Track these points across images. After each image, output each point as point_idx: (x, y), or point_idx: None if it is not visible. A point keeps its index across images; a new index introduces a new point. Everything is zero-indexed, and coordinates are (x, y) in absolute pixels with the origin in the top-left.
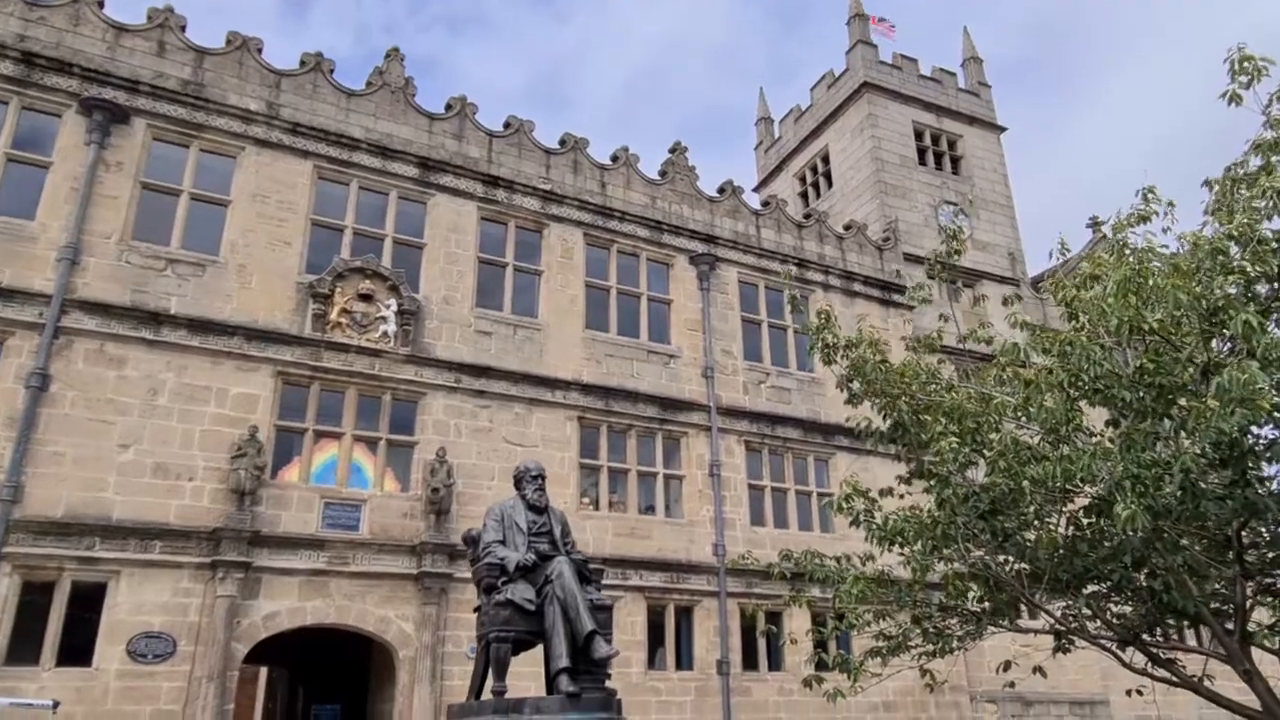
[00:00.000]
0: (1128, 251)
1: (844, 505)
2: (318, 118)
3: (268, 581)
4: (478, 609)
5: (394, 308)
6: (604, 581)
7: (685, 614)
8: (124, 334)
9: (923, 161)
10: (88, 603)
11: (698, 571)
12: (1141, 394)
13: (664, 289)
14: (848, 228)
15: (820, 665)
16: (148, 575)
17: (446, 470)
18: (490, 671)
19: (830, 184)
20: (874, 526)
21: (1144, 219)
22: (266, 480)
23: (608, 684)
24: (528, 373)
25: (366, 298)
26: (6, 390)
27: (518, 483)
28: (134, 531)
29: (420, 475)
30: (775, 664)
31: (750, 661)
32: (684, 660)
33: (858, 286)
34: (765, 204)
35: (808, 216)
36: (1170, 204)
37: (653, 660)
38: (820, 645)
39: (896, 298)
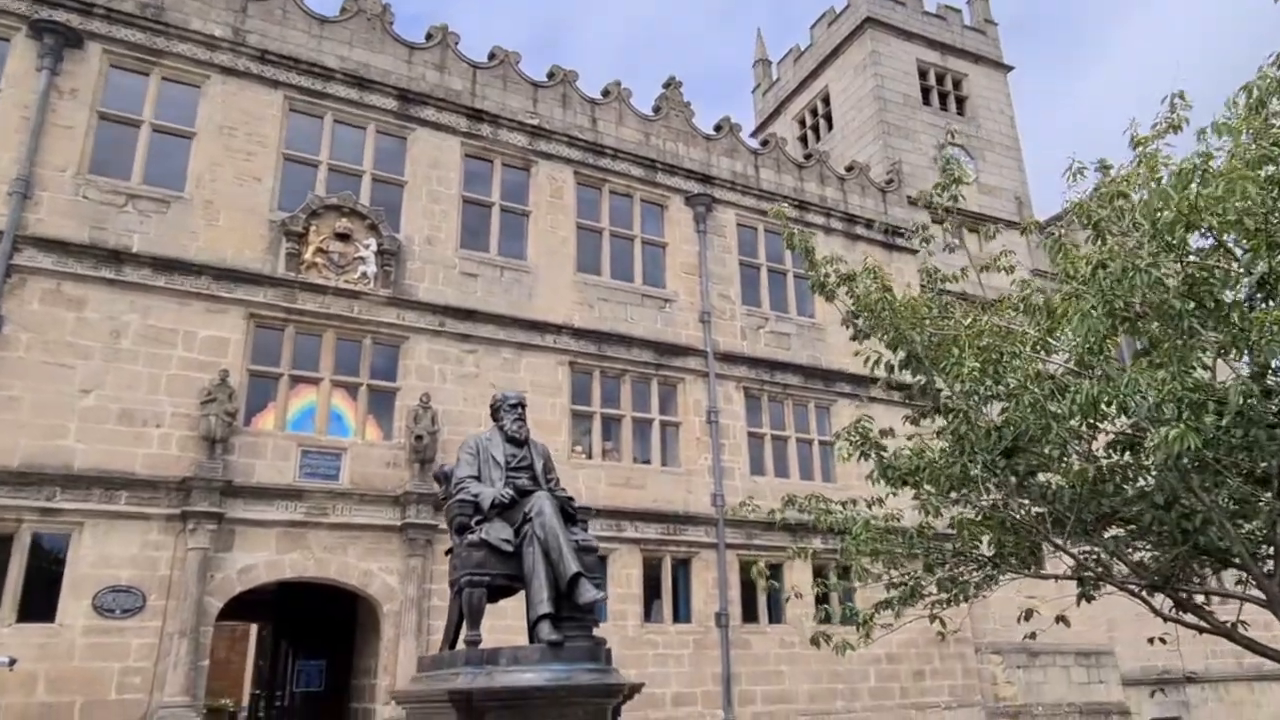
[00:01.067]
0: (1162, 159)
1: (852, 439)
2: (288, 45)
3: (243, 533)
4: (449, 551)
5: (373, 248)
6: (597, 534)
7: (683, 566)
8: (83, 273)
9: (926, 101)
10: (50, 556)
11: (695, 523)
12: (1193, 306)
13: (659, 231)
14: (850, 169)
15: (826, 619)
16: (114, 527)
17: (431, 417)
18: (464, 620)
19: (831, 126)
20: (885, 466)
21: (1174, 128)
22: (239, 428)
23: (596, 632)
24: (516, 316)
25: (344, 237)
26: None
27: (495, 413)
28: (98, 481)
29: (403, 423)
30: (776, 616)
31: (750, 614)
32: (682, 613)
33: (860, 230)
34: (764, 143)
35: (808, 157)
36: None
37: (649, 613)
38: (823, 599)
39: (900, 241)
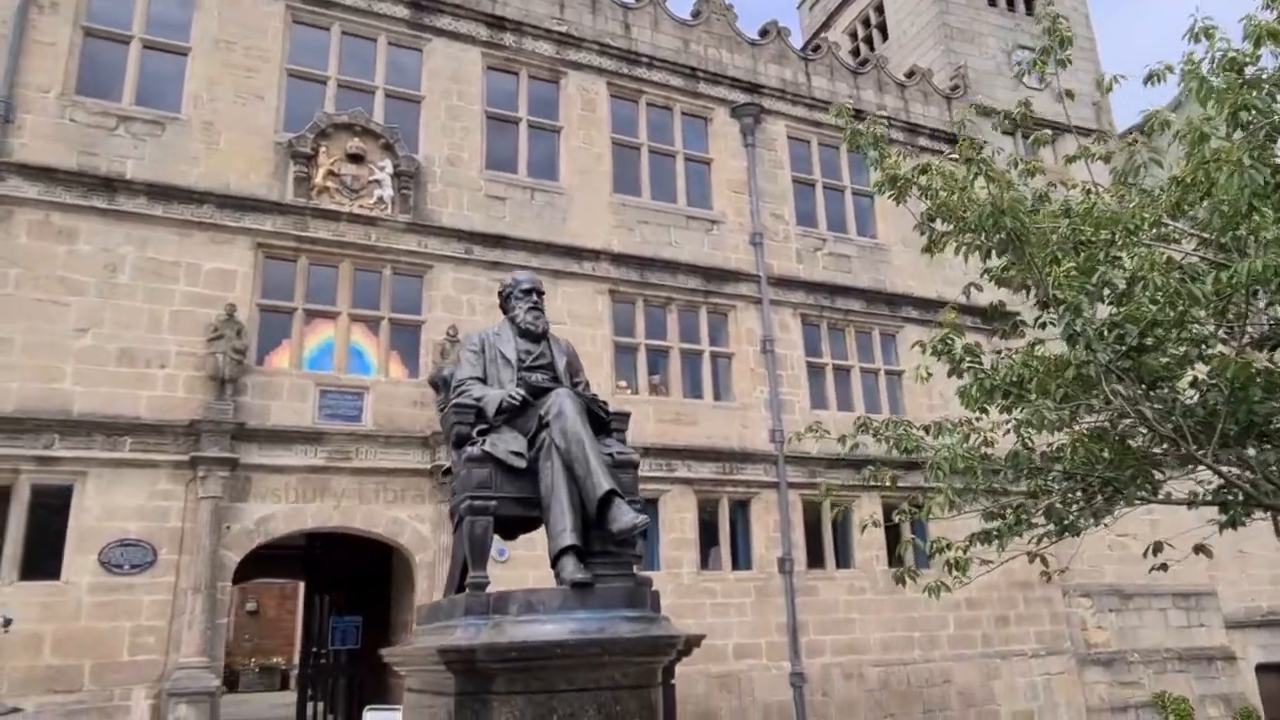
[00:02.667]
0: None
1: (940, 349)
2: None
3: (259, 481)
4: (446, 472)
5: (389, 170)
6: (646, 475)
7: (741, 508)
8: (73, 203)
9: (992, 2)
10: (52, 508)
11: (753, 460)
12: None
13: (702, 146)
14: (910, 75)
15: (900, 565)
16: (119, 476)
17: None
18: (468, 558)
19: (885, 37)
20: (980, 376)
21: None
22: (251, 366)
23: (636, 570)
24: (549, 242)
25: (357, 158)
26: None
27: (504, 302)
28: (99, 426)
29: (430, 358)
30: (844, 560)
31: (815, 559)
32: (741, 559)
33: (924, 141)
34: (815, 48)
35: (863, 63)
36: None
37: (705, 560)
38: (897, 541)
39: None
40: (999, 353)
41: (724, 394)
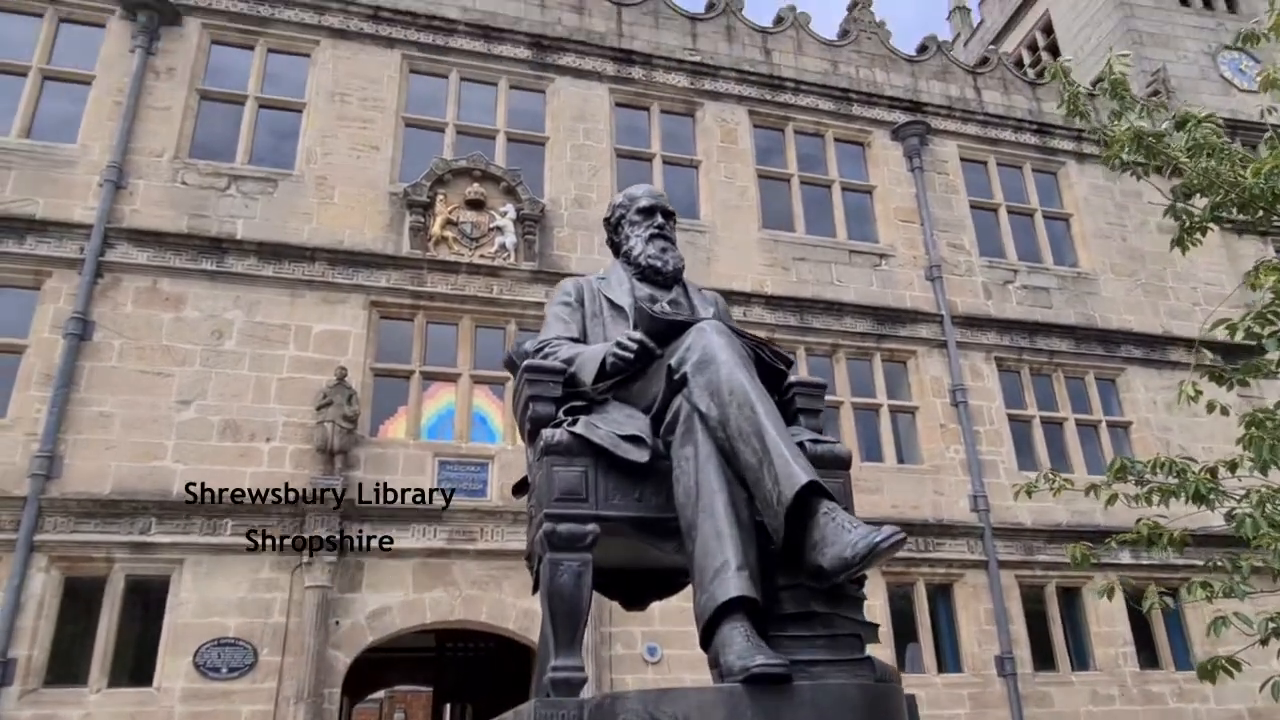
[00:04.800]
0: None
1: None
2: (403, 0)
3: (371, 567)
4: (519, 488)
5: (512, 214)
6: None
7: (942, 594)
8: (181, 267)
9: (1185, 2)
10: (146, 603)
11: (952, 534)
12: None
13: (861, 173)
14: (1097, 82)
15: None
16: (218, 563)
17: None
18: (547, 628)
19: (1057, 57)
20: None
21: None
22: (363, 436)
23: (868, 648)
24: (696, 285)
25: (476, 204)
26: (43, 342)
27: (613, 233)
28: (200, 508)
29: None
30: (1081, 659)
31: (1043, 657)
32: (948, 658)
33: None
34: (984, 60)
35: (1042, 73)
36: None
37: (902, 658)
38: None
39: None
40: None
41: (909, 455)
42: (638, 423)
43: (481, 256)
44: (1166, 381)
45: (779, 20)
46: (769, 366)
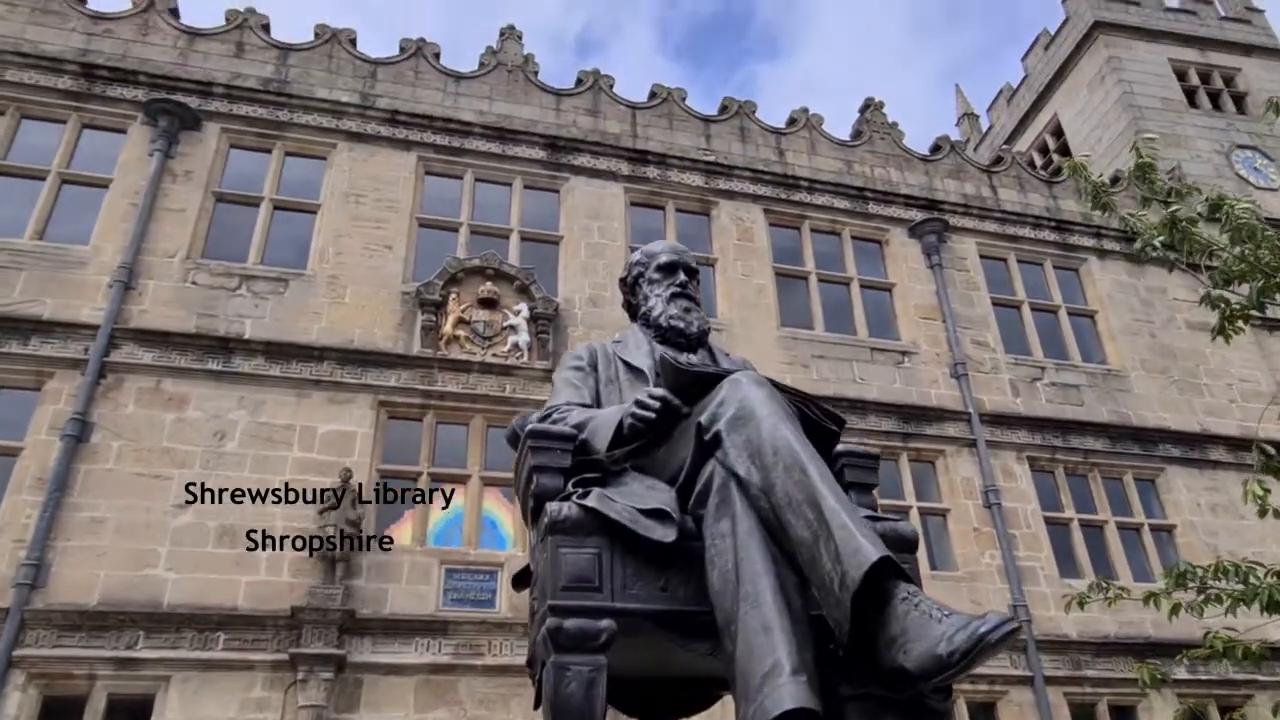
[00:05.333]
0: None
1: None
2: (421, 105)
3: (371, 684)
4: (519, 579)
5: (525, 313)
6: None
7: (984, 713)
8: (186, 366)
9: (1193, 104)
10: None
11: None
12: None
13: (879, 271)
14: (1115, 181)
15: None
16: (206, 681)
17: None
18: None
19: (1068, 157)
20: None
21: None
22: (367, 542)
23: None
24: None
25: (489, 303)
26: (40, 444)
27: (630, 293)
28: (190, 620)
29: None
30: None
31: None
32: None
33: (1154, 251)
34: (997, 159)
35: (1057, 171)
36: None
37: None
38: None
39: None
40: None
41: (942, 560)
42: (661, 495)
43: (494, 355)
44: (1209, 482)
45: (792, 121)
46: (817, 426)
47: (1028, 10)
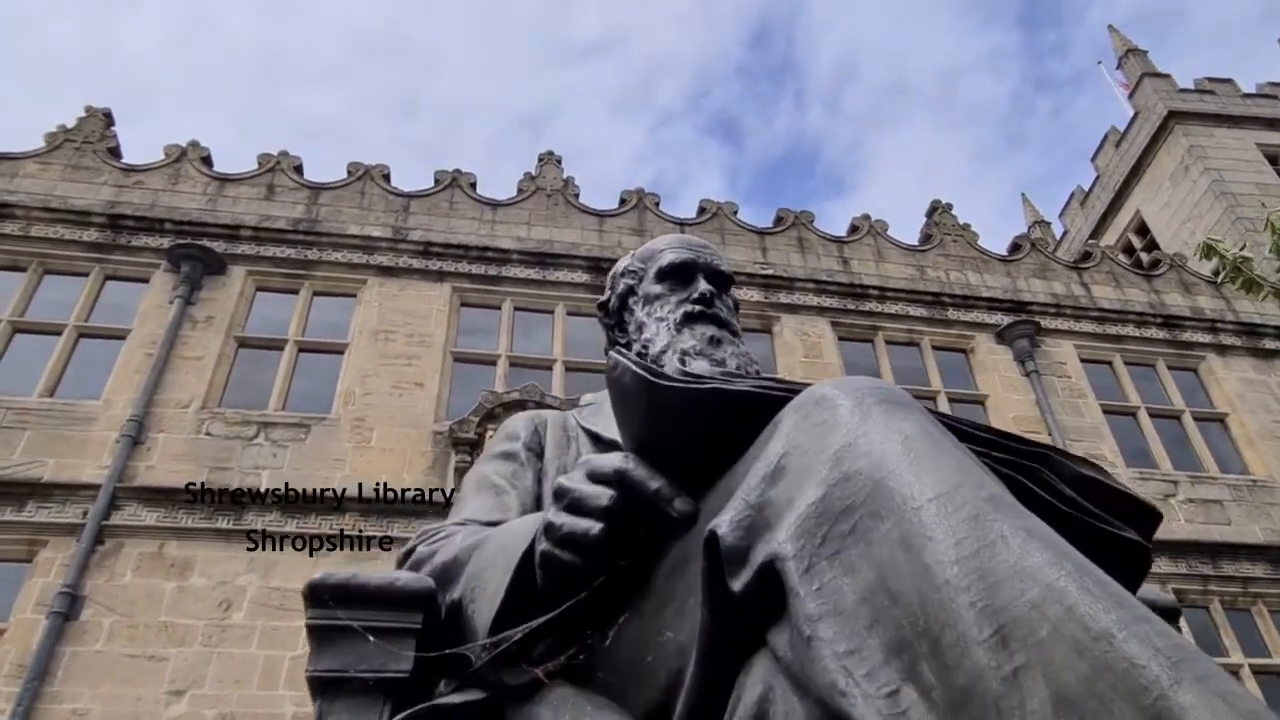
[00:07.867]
0: None
1: None
2: (456, 235)
3: None
4: None
5: None
6: None
7: None
8: (193, 526)
9: None
10: None
11: None
12: None
13: (968, 382)
14: (1218, 273)
15: None
16: None
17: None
18: None
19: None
20: None
21: None
22: None
23: None
24: None
25: None
26: (23, 624)
27: (619, 312)
28: None
29: None
30: None
31: None
32: None
33: (1270, 343)
34: (1086, 255)
35: (1155, 263)
36: None
37: None
38: None
39: None
40: None
41: None
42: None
43: None
44: None
45: (854, 229)
46: (1070, 520)
47: (1088, 128)
